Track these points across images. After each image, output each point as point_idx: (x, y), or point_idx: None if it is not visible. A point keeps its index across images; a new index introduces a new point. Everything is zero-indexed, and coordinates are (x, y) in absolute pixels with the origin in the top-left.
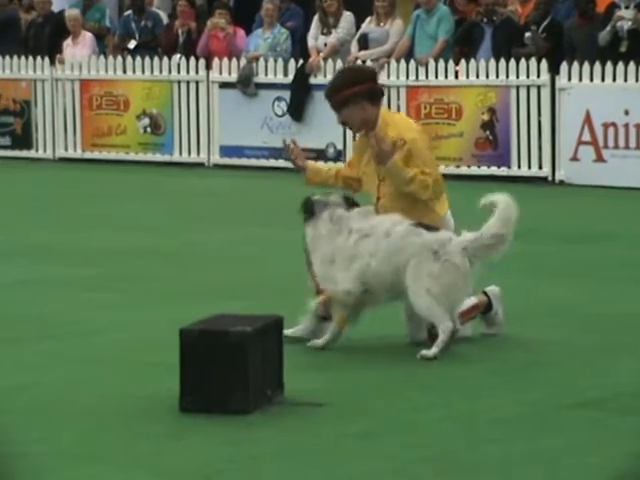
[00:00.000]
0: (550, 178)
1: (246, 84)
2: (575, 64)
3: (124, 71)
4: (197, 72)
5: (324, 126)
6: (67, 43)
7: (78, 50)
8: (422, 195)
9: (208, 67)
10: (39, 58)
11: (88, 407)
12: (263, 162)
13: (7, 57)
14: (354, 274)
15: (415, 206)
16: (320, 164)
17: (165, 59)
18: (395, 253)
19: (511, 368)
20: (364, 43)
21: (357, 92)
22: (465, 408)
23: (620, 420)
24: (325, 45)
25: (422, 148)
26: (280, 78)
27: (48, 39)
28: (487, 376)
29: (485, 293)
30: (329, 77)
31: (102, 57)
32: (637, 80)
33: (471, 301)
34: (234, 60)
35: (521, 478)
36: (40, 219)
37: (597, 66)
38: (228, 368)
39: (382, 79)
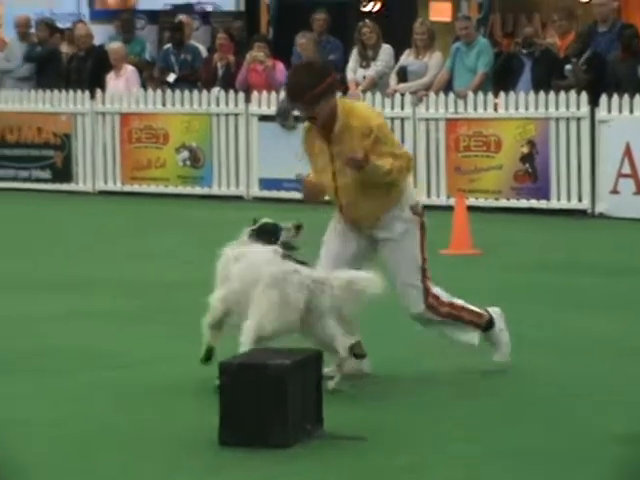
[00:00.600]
0: (590, 211)
1: (285, 117)
2: (615, 96)
3: (163, 104)
4: (236, 105)
5: None
6: (110, 76)
7: (121, 84)
8: (401, 179)
9: (247, 100)
10: (79, 92)
11: (129, 439)
12: (301, 195)
13: (47, 91)
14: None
15: (376, 186)
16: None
17: (204, 92)
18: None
19: (546, 400)
20: (403, 76)
21: (326, 88)
22: (506, 440)
23: None
24: (364, 78)
25: (387, 132)
26: None
27: (89, 73)
28: (524, 407)
29: (486, 310)
30: None
31: (142, 90)
32: None
33: (476, 308)
34: (273, 93)
35: None
36: (82, 252)
37: (637, 98)
38: (267, 401)
39: (421, 112)
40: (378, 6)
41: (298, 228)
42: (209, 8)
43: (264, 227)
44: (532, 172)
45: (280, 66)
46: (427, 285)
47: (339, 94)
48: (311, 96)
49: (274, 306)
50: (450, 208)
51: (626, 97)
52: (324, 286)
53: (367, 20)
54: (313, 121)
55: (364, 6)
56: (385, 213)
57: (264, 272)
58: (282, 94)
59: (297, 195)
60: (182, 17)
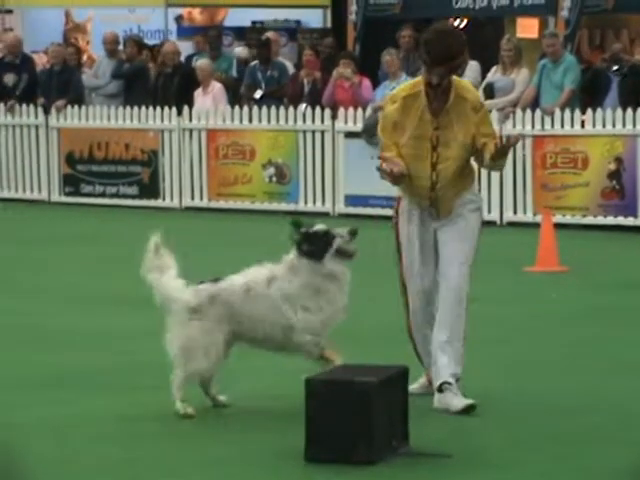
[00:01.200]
0: None
1: (371, 134)
2: None
3: (250, 121)
4: (322, 122)
5: None
6: (197, 93)
7: (208, 100)
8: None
9: (333, 117)
10: (167, 108)
11: (215, 456)
12: (388, 212)
13: (135, 107)
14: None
15: (467, 166)
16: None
17: (291, 109)
18: None
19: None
20: (490, 92)
21: (464, 57)
22: (597, 459)
23: None
24: None
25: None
26: None
27: (176, 89)
28: (618, 427)
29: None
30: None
31: (228, 107)
32: None
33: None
34: (359, 110)
35: None
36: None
37: None
38: (353, 418)
39: (508, 128)
40: (464, 22)
41: (353, 234)
42: (294, 24)
43: (316, 234)
44: (619, 189)
45: (366, 83)
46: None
47: None
48: (456, 63)
49: None
50: (537, 225)
51: None
52: None
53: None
54: (437, 89)
55: (452, 23)
56: (463, 197)
57: None
58: (368, 110)
59: (382, 212)
60: (269, 34)
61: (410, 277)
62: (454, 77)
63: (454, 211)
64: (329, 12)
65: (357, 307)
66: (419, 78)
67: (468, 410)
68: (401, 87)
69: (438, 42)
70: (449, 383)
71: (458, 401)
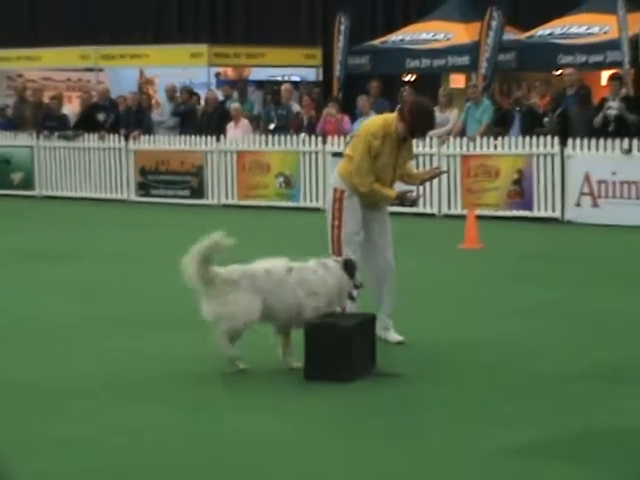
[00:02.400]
0: (560, 219)
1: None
2: (578, 139)
3: (266, 145)
4: (316, 145)
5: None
6: (230, 126)
7: (238, 131)
8: None
9: (324, 142)
10: (209, 136)
11: (242, 375)
12: None
13: (187, 136)
14: None
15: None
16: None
17: (294, 136)
18: None
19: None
20: None
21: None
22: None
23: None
24: None
25: None
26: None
27: (216, 123)
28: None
29: None
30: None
31: (252, 135)
32: (620, 151)
33: None
34: (342, 137)
35: None
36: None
37: (593, 141)
38: (337, 349)
39: (444, 150)
40: (414, 77)
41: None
42: (297, 79)
43: (353, 264)
44: (520, 192)
45: (346, 119)
46: None
47: None
48: (426, 125)
49: None
50: (464, 217)
51: (585, 140)
52: None
53: (407, 87)
54: (410, 137)
55: (405, 77)
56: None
57: None
58: (348, 138)
59: None
60: (286, 85)
61: (351, 229)
62: None
63: (382, 207)
64: (321, 70)
65: None
66: (388, 117)
67: (401, 343)
68: (377, 126)
69: (426, 123)
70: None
71: (395, 336)
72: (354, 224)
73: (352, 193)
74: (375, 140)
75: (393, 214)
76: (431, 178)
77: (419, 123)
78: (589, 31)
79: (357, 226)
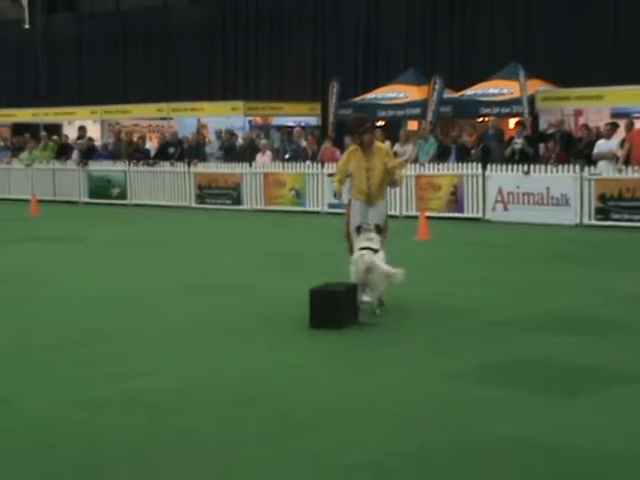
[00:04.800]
0: (482, 218)
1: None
2: (494, 164)
3: (283, 168)
4: (317, 169)
5: None
6: (259, 155)
7: (265, 159)
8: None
9: (322, 167)
10: (244, 163)
11: (267, 324)
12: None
13: (230, 163)
14: None
15: (383, 185)
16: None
17: (302, 163)
18: None
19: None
20: (394, 155)
21: (367, 127)
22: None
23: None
24: None
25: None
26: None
27: (248, 154)
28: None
29: None
30: None
31: (272, 162)
32: (522, 172)
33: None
34: (334, 164)
35: None
36: (238, 243)
37: (504, 166)
38: (331, 307)
39: (405, 172)
40: (384, 122)
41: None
42: (304, 124)
43: None
44: (455, 200)
45: (338, 151)
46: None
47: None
48: (363, 129)
49: None
50: (417, 217)
51: (499, 165)
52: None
53: (378, 129)
54: (361, 145)
55: (377, 122)
56: (382, 196)
57: None
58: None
59: (344, 210)
60: (297, 129)
61: (354, 224)
62: (376, 141)
63: (376, 203)
64: (320, 118)
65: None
66: (354, 146)
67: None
68: (349, 151)
69: (350, 122)
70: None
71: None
72: (356, 219)
73: (354, 200)
74: (347, 155)
75: None
76: (394, 185)
77: (348, 128)
78: (501, 92)
79: (358, 219)
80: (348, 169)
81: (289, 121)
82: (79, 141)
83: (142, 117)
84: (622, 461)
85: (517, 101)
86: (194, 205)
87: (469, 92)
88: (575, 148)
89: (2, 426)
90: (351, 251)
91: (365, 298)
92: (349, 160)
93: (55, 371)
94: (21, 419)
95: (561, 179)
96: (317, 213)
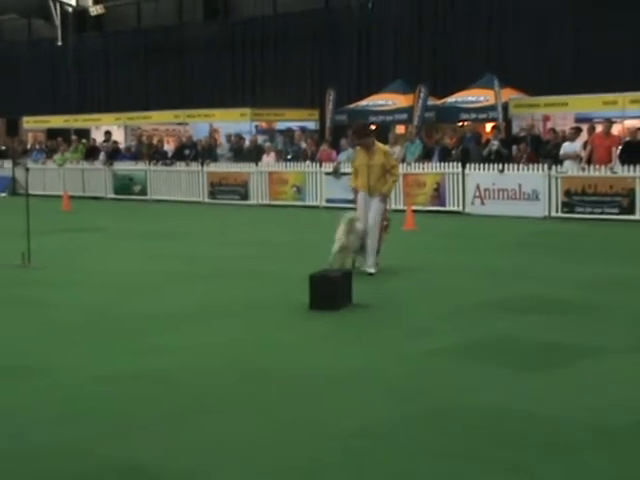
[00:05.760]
0: (462, 212)
1: (336, 173)
2: (473, 164)
3: (286, 167)
4: (316, 168)
5: None
6: (264, 156)
7: (270, 159)
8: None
9: (320, 166)
10: (250, 163)
11: (271, 306)
12: (344, 205)
13: (238, 163)
14: None
15: (381, 180)
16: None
17: (303, 162)
18: None
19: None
20: None
21: (369, 132)
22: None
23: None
24: None
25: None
26: (350, 170)
27: (255, 155)
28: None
29: None
30: None
31: (276, 161)
32: (497, 171)
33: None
34: (331, 163)
35: None
36: (246, 234)
37: (481, 165)
38: (329, 291)
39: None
40: (375, 126)
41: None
42: (304, 128)
43: None
44: (438, 196)
45: (334, 152)
46: (383, 219)
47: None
48: (364, 134)
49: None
50: (405, 210)
51: (477, 165)
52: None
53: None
54: (363, 146)
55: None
56: (380, 190)
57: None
58: (334, 163)
59: (341, 205)
60: (297, 132)
61: (361, 220)
62: (377, 142)
63: (376, 193)
64: (318, 122)
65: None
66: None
67: (371, 274)
68: (357, 150)
69: (355, 128)
70: (370, 268)
71: (368, 269)
72: (360, 207)
73: (360, 192)
74: (356, 153)
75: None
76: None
77: (352, 132)
78: (478, 99)
79: (362, 206)
80: (354, 165)
81: (291, 125)
82: (105, 144)
83: (161, 122)
84: (583, 427)
85: (493, 108)
86: (207, 200)
87: (450, 100)
88: (544, 149)
89: (40, 397)
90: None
91: (372, 270)
92: (356, 158)
93: (87, 347)
94: (53, 390)
95: (531, 177)
96: (316, 207)
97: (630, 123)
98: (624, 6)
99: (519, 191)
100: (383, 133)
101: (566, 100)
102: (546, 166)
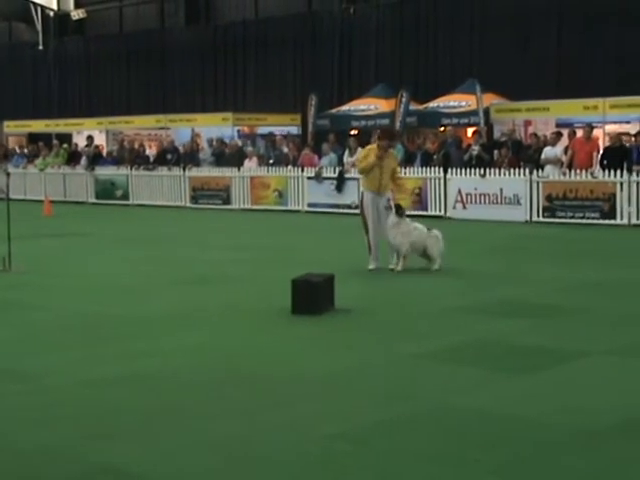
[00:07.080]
0: (444, 216)
1: (318, 177)
2: (454, 168)
3: (268, 172)
4: (298, 172)
5: (350, 194)
6: (246, 161)
7: (251, 164)
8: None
9: (302, 170)
10: (233, 168)
11: (253, 310)
12: (326, 209)
13: (221, 168)
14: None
15: (390, 180)
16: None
17: (285, 167)
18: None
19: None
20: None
21: (397, 135)
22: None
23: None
24: (349, 162)
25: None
26: (332, 175)
27: (237, 160)
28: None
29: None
30: (347, 175)
31: (258, 166)
32: (478, 175)
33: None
34: (313, 168)
35: None
36: (228, 239)
37: (463, 170)
38: (311, 295)
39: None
40: (357, 131)
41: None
42: (286, 132)
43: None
44: (420, 200)
45: (316, 157)
46: None
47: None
48: (394, 138)
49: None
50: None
51: (458, 169)
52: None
53: (352, 137)
54: (385, 147)
55: (351, 132)
56: (389, 190)
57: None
58: (316, 168)
59: (323, 209)
60: (278, 137)
61: (369, 219)
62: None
63: (384, 194)
64: (300, 127)
65: (332, 251)
66: (368, 147)
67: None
68: (366, 150)
69: (387, 131)
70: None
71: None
72: (368, 207)
73: (367, 193)
74: (366, 152)
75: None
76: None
77: (382, 133)
78: (459, 104)
79: (370, 206)
80: (368, 161)
81: (273, 130)
82: (87, 148)
83: (143, 127)
84: (564, 430)
85: (474, 113)
86: (189, 205)
87: (432, 104)
88: (525, 154)
89: (25, 400)
90: (369, 248)
91: (399, 268)
92: (368, 155)
93: (70, 351)
94: (41, 394)
95: (513, 181)
96: (297, 212)
97: (610, 128)
98: (605, 11)
99: (500, 196)
100: (365, 138)
101: (547, 105)
102: (527, 171)
